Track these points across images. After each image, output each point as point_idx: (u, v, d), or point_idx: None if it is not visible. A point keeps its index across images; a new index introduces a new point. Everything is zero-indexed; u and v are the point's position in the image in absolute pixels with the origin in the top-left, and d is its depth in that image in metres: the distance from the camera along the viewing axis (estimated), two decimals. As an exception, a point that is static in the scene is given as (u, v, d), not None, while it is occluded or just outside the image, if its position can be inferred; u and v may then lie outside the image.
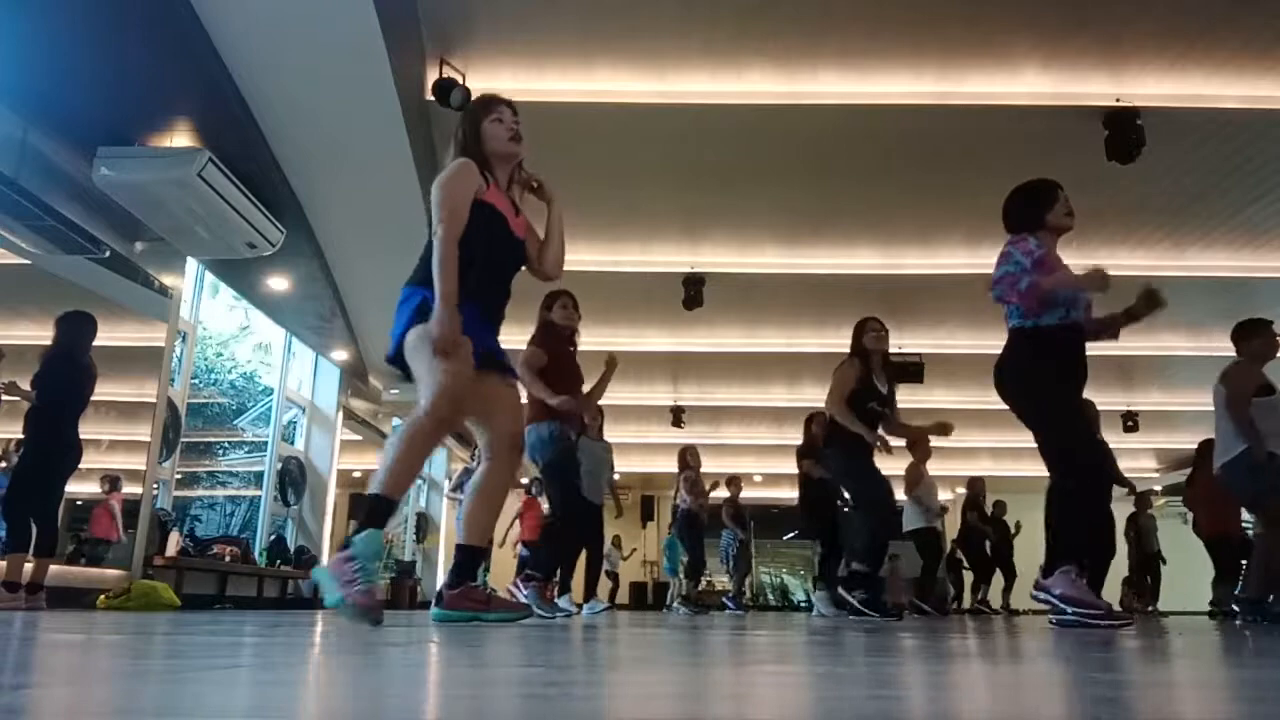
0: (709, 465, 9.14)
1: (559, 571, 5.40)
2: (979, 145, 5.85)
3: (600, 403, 5.53)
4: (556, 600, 5.26)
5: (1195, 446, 7.66)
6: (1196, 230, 7.05)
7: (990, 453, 14.43)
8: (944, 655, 1.67)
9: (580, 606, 5.88)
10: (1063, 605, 3.12)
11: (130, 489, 6.23)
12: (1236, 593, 5.69)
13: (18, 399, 4.70)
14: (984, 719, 0.79)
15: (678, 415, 11.97)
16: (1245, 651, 2.01)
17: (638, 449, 15.06)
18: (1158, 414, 11.89)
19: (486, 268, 2.79)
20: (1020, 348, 3.43)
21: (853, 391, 4.93)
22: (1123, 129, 5.20)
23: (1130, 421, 11.82)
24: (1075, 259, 7.99)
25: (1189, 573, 7.49)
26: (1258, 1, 4.61)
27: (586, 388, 4.92)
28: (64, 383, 4.75)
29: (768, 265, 7.70)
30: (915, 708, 0.86)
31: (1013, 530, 9.74)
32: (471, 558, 2.96)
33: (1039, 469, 3.40)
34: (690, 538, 8.56)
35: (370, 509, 2.49)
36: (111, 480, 6.09)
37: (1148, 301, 3.47)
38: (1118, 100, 5.24)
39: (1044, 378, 3.35)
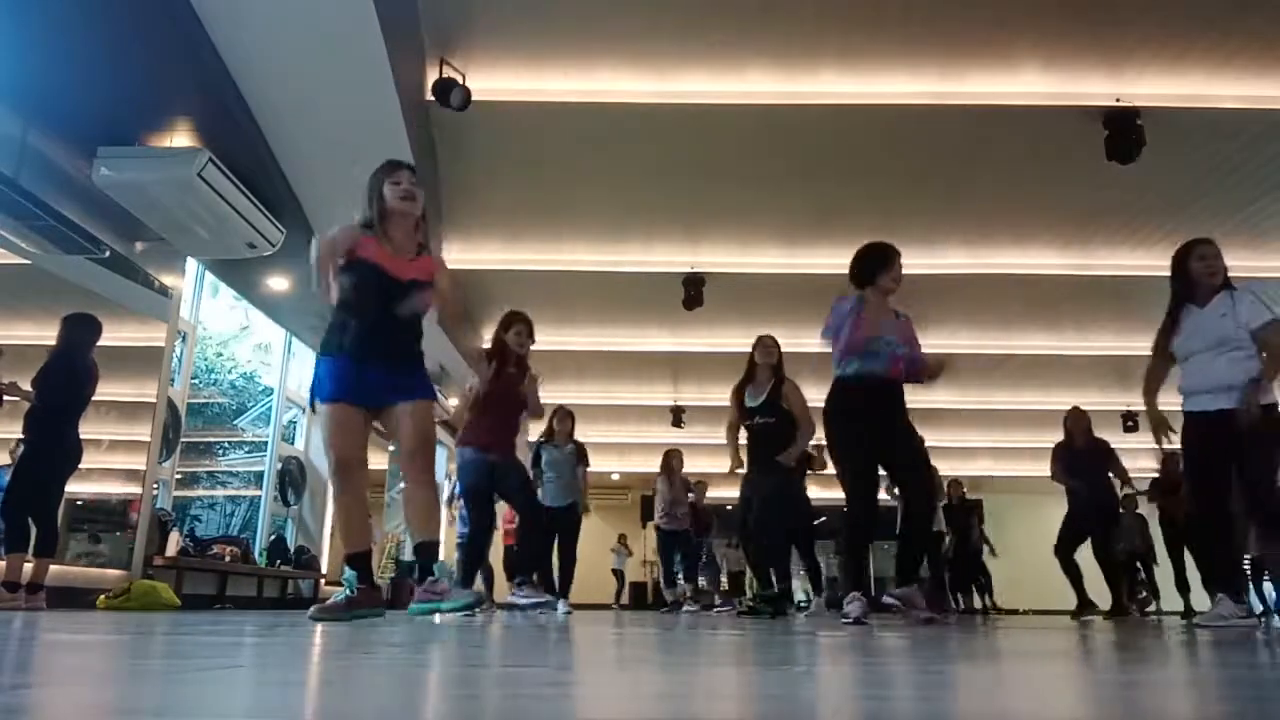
0: (709, 465, 9.16)
1: (539, 571, 5.71)
2: (979, 145, 5.85)
3: (572, 405, 6.06)
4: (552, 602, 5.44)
5: None
6: (1196, 230, 6.99)
7: (990, 452, 14.43)
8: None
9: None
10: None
11: (130, 489, 6.23)
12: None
13: (18, 399, 4.69)
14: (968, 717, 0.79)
15: (678, 415, 11.97)
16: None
17: (638, 449, 15.05)
18: (1158, 414, 11.88)
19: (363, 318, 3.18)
20: (830, 393, 3.99)
21: (736, 416, 5.61)
22: (1123, 129, 5.20)
23: (1130, 421, 11.81)
24: (1076, 259, 8.01)
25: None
26: (1258, 1, 4.61)
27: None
28: (64, 383, 4.74)
29: (768, 265, 7.70)
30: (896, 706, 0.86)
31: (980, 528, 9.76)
32: (428, 555, 3.24)
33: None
34: (665, 554, 8.82)
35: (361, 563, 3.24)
36: None
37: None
38: (1118, 100, 5.24)
39: (835, 422, 3.92)
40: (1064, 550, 6.77)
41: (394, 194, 3.29)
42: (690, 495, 8.94)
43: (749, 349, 5.80)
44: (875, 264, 3.96)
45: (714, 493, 10.68)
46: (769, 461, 5.33)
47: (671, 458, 8.70)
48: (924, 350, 4.18)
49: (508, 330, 4.98)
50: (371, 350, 3.15)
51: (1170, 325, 3.93)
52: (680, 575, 9.49)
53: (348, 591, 3.20)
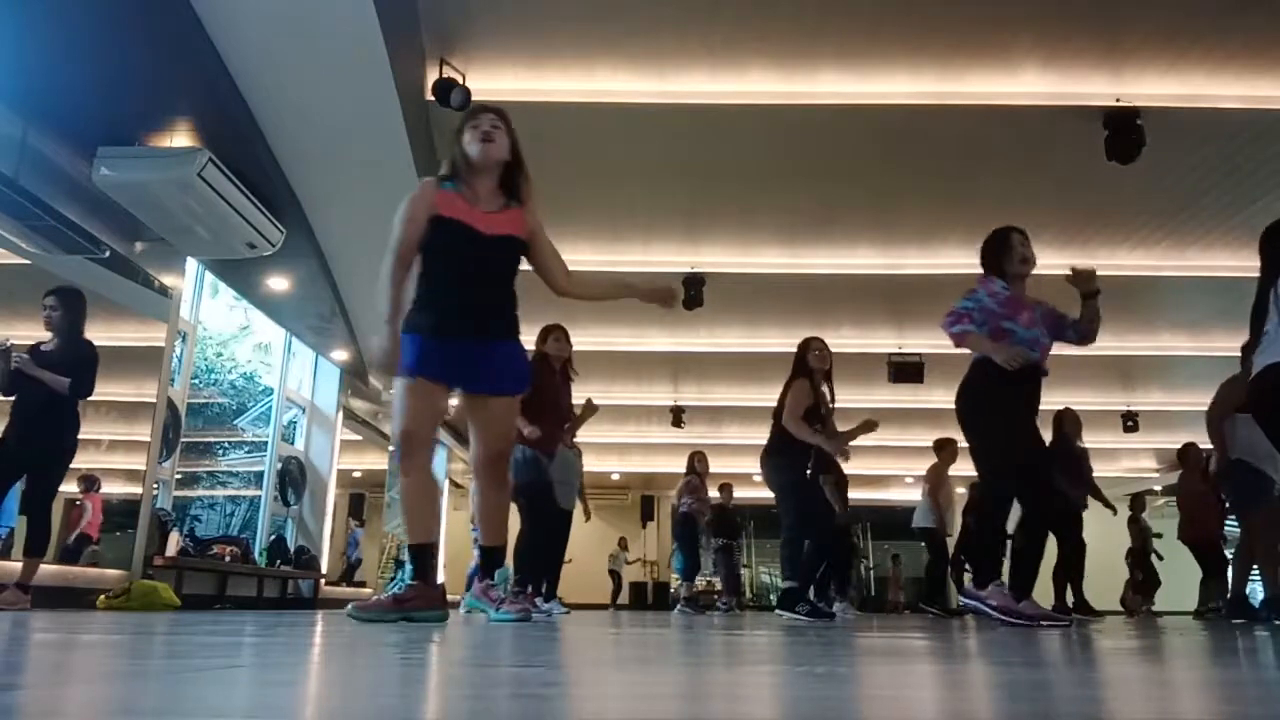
0: (711, 464, 9.14)
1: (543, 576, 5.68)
2: (979, 145, 5.85)
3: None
4: (542, 605, 5.41)
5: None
6: (1196, 230, 7.05)
7: (990, 453, 14.41)
8: (936, 657, 1.67)
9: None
10: (997, 615, 3.49)
11: (130, 489, 6.23)
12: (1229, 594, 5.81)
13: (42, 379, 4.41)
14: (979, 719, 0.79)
15: (678, 415, 11.98)
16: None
17: (638, 449, 15.06)
18: (1158, 414, 11.89)
19: (446, 284, 2.90)
20: (979, 372, 3.74)
21: (806, 410, 5.12)
22: (1123, 129, 5.20)
23: (1130, 421, 11.82)
24: (1076, 259, 8.00)
25: (1195, 572, 7.47)
26: (1258, 1, 4.61)
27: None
28: (73, 368, 4.52)
29: (768, 265, 7.70)
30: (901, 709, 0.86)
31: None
32: (489, 558, 3.18)
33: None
34: (687, 539, 8.68)
35: (420, 558, 2.95)
36: (89, 480, 5.92)
37: (1080, 279, 3.83)
38: (1118, 100, 5.24)
39: (997, 401, 3.68)
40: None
41: (471, 139, 2.93)
42: (718, 496, 8.88)
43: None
44: (999, 250, 3.85)
45: (741, 493, 10.66)
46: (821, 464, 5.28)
47: (695, 460, 8.69)
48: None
49: (545, 341, 5.17)
50: (460, 323, 2.87)
51: None
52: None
53: (397, 588, 3.01)
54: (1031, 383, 3.71)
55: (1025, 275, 3.83)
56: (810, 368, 5.22)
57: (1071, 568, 6.97)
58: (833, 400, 5.27)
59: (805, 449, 5.10)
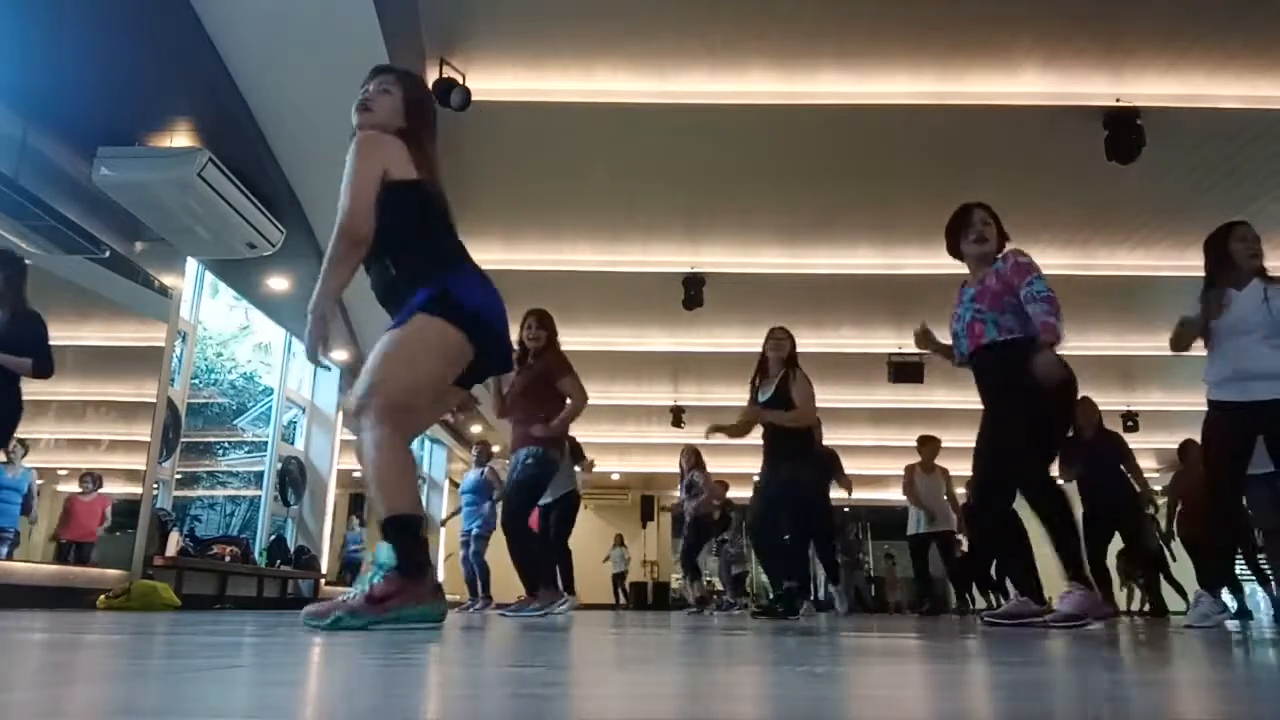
0: (709, 465, 9.14)
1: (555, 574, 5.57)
2: (979, 145, 5.85)
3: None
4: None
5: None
6: (1196, 230, 7.01)
7: (990, 453, 14.39)
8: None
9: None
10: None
11: (130, 489, 6.23)
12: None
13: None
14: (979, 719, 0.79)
15: (678, 415, 11.98)
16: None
17: (638, 449, 15.06)
18: (1158, 414, 11.89)
19: None
20: None
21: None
22: (1123, 129, 5.21)
23: (1130, 421, 11.82)
24: (1076, 259, 8.01)
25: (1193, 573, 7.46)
26: (1258, 1, 4.62)
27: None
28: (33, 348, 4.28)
29: (768, 265, 7.70)
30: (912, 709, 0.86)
31: None
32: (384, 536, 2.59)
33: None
34: (690, 542, 8.73)
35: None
36: (95, 479, 5.86)
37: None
38: (1118, 100, 5.25)
39: None
40: (1093, 553, 6.42)
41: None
42: (702, 496, 8.91)
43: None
44: (958, 227, 3.65)
45: (742, 492, 10.68)
46: (776, 458, 5.15)
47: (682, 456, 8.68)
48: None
49: (519, 329, 4.95)
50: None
51: (1216, 306, 3.65)
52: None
53: (371, 580, 2.23)
54: (976, 371, 3.53)
55: (981, 255, 3.57)
56: (766, 356, 5.28)
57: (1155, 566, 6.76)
58: (788, 386, 5.16)
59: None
